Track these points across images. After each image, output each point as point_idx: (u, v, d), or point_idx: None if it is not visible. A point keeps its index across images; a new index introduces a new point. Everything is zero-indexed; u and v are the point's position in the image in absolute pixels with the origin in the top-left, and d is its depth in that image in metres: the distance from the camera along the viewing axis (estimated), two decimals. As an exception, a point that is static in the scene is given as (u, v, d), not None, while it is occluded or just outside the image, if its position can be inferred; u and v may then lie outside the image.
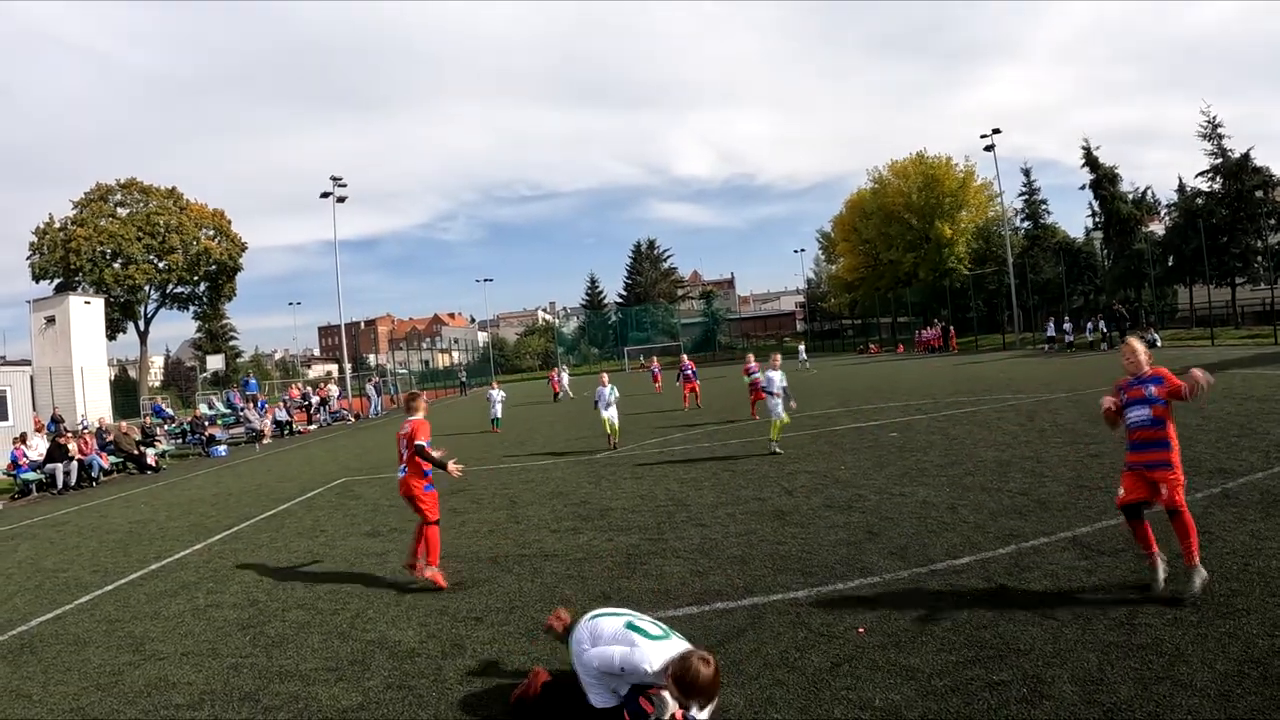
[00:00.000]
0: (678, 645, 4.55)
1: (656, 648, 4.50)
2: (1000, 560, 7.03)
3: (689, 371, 27.07)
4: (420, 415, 8.59)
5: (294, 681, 5.84)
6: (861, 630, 5.74)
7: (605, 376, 19.05)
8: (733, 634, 5.94)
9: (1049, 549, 7.21)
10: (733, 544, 8.52)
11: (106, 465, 23.87)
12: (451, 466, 8.26)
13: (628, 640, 4.60)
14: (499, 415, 26.83)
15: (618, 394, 18.34)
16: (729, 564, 7.78)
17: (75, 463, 22.25)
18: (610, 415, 18.01)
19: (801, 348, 55.43)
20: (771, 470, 12.83)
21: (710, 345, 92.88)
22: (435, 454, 8.26)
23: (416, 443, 8.20)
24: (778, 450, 14.51)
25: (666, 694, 4.45)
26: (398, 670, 5.89)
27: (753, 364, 21.18)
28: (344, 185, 50.13)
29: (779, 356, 16.50)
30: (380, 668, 5.97)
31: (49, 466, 21.64)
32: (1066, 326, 43.50)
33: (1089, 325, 42.30)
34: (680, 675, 4.22)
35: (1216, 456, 10.35)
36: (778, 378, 15.41)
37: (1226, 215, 43.48)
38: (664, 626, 4.82)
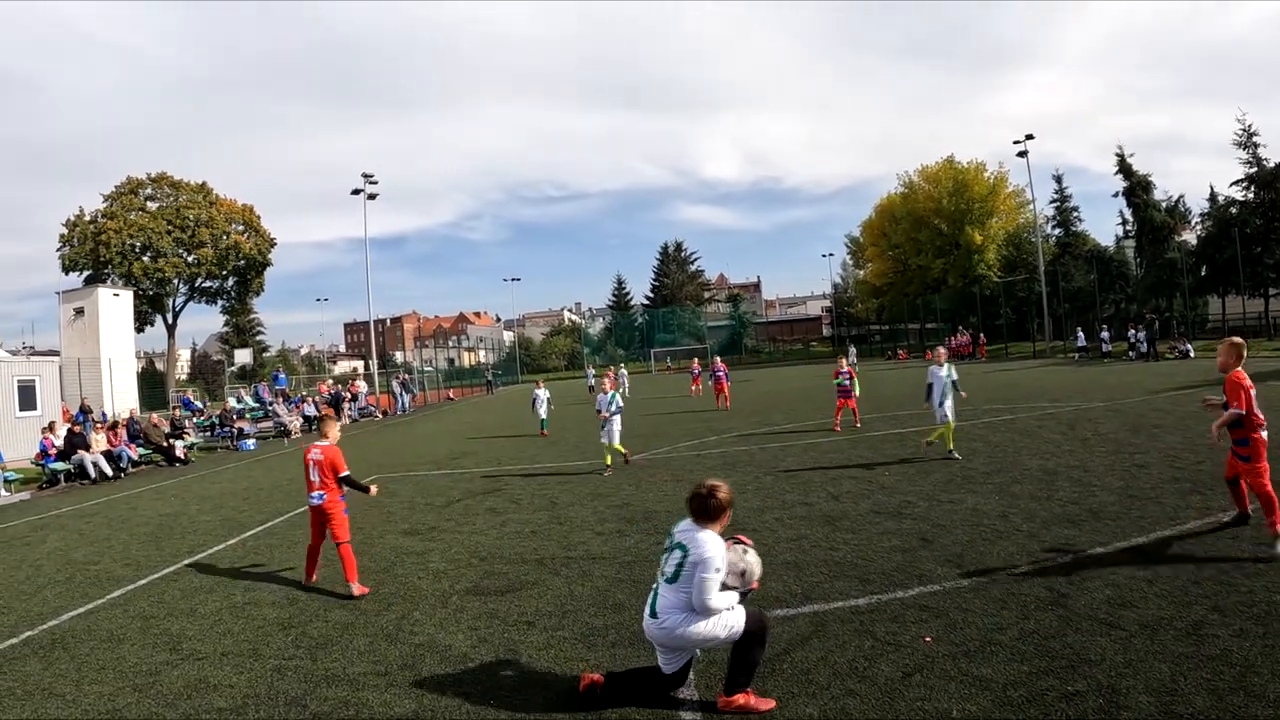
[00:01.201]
0: (696, 538, 4.89)
1: (703, 550, 4.80)
2: (1059, 569, 6.87)
3: (720, 373, 28.39)
4: (332, 441, 8.80)
5: (342, 686, 5.64)
6: (928, 639, 5.57)
7: (608, 382, 16.47)
8: (797, 642, 5.74)
9: (1107, 559, 7.06)
10: (785, 549, 8.30)
11: (135, 456, 23.82)
12: (373, 489, 9.08)
13: (700, 573, 4.76)
14: (545, 416, 24.51)
15: (621, 402, 15.65)
16: (784, 570, 7.55)
17: (100, 455, 22.15)
18: (610, 431, 15.10)
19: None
20: (815, 475, 12.59)
21: (737, 348, 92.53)
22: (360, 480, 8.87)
23: (343, 474, 8.50)
24: (956, 455, 13.17)
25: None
26: (451, 676, 5.68)
27: (844, 367, 19.14)
28: (375, 183, 50.21)
29: (943, 350, 14.80)
30: (432, 673, 5.76)
31: (74, 458, 21.56)
32: (1105, 335, 43.03)
33: (1132, 334, 41.65)
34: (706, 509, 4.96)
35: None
36: (943, 373, 13.70)
37: (1261, 225, 42.93)
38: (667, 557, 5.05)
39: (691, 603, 4.79)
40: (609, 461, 15.03)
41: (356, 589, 8.09)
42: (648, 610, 5.03)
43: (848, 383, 18.70)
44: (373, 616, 7.21)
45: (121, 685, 6.03)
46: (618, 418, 15.21)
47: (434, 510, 12.37)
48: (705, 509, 4.94)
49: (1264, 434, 7.47)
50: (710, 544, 4.80)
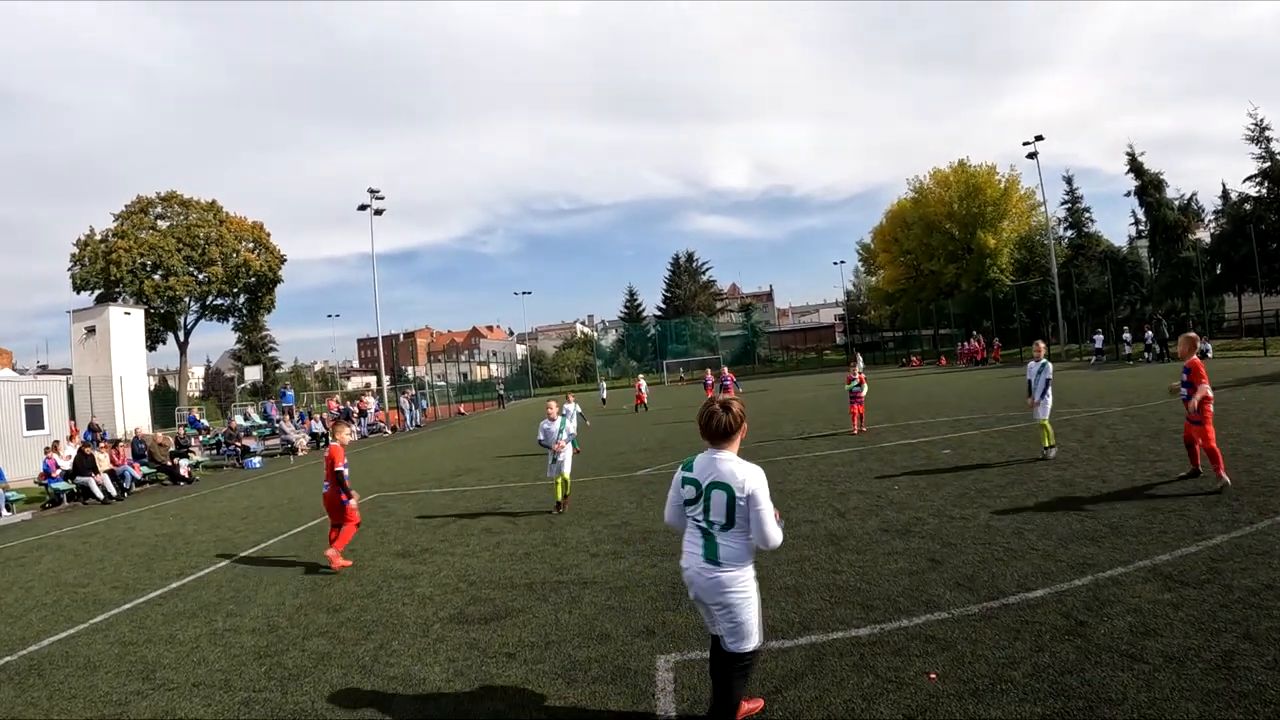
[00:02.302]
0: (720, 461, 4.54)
1: (749, 483, 4.41)
2: (1077, 593, 6.42)
3: (728, 383, 29.83)
4: (340, 442, 10.53)
5: (308, 723, 5.32)
6: (933, 676, 5.15)
7: (559, 405, 13.71)
8: (791, 679, 5.34)
9: (1128, 580, 6.61)
10: (785, 572, 7.90)
11: (139, 475, 23.63)
12: (352, 503, 10.34)
13: (756, 508, 4.39)
14: (573, 431, 22.16)
15: (573, 429, 13.40)
16: (782, 595, 7.16)
17: (105, 474, 21.94)
18: (562, 464, 12.80)
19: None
20: (821, 490, 12.19)
21: (750, 358, 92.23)
22: (347, 483, 10.33)
23: (336, 469, 10.17)
24: (1047, 456, 12.95)
25: None
26: (419, 713, 5.35)
27: (855, 374, 20.50)
28: (381, 197, 50.11)
29: (1041, 344, 14.07)
30: (401, 709, 5.43)
31: (79, 479, 21.36)
32: (1126, 336, 42.61)
33: (1149, 335, 41.22)
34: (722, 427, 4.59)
35: (1292, 474, 9.80)
36: (1035, 368, 13.43)
37: (1276, 221, 42.38)
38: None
39: (749, 547, 4.47)
40: (559, 496, 12.76)
41: (336, 562, 9.93)
42: (700, 556, 4.53)
43: (857, 388, 19.70)
44: (350, 646, 6.88)
45: (90, 715, 5.81)
46: (569, 450, 12.98)
47: (429, 530, 12.05)
48: (721, 428, 4.56)
49: (1210, 407, 10.07)
50: (753, 475, 4.41)
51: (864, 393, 20.30)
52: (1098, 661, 5.09)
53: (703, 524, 4.54)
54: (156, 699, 6.01)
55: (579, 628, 6.84)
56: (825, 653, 5.73)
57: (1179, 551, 7.27)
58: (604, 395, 50.47)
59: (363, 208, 49.92)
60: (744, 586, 4.44)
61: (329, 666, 6.40)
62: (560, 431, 12.79)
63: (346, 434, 10.91)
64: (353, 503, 10.24)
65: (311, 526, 13.52)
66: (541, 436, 12.98)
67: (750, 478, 4.38)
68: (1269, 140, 44.28)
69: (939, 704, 4.76)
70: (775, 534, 4.40)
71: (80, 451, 22.21)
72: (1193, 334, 10.66)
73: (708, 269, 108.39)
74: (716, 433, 4.55)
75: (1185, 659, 4.99)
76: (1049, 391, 13.31)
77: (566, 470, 12.81)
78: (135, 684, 6.40)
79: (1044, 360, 13.50)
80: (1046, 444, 13.18)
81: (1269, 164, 44.04)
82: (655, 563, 8.81)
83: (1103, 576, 6.77)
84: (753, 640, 4.46)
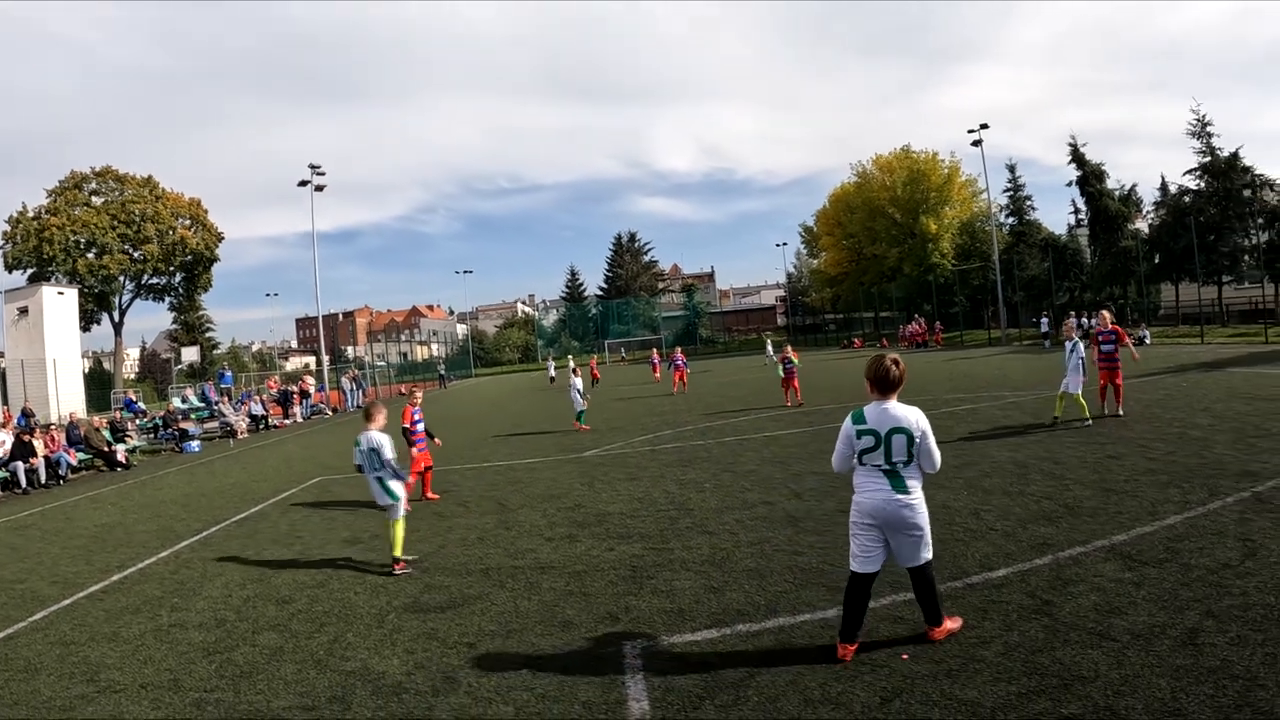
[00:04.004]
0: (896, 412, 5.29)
1: (920, 423, 5.31)
2: (1039, 572, 6.47)
3: (679, 362, 31.56)
4: (416, 403, 13.33)
5: (263, 722, 5.09)
6: (905, 656, 5.13)
7: (380, 416, 9.30)
8: (763, 662, 5.27)
9: (1088, 559, 6.68)
10: (746, 554, 7.84)
11: (74, 462, 22.93)
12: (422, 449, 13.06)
13: (927, 443, 5.31)
14: (585, 407, 21.45)
15: (391, 451, 8.88)
16: (745, 578, 7.10)
17: (42, 460, 21.27)
18: (394, 505, 8.64)
19: (769, 343, 54.37)
20: (775, 471, 12.16)
21: (692, 339, 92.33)
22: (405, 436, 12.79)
23: (403, 425, 12.75)
24: (1087, 424, 13.94)
25: None
26: (382, 710, 5.14)
27: (789, 353, 23.22)
28: (322, 173, 49.13)
29: (1072, 322, 16.18)
30: (362, 706, 5.22)
31: (11, 465, 20.66)
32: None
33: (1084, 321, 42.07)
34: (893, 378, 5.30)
35: (1239, 459, 9.99)
36: (1069, 347, 14.69)
37: (1215, 214, 43.38)
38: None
39: (921, 476, 5.35)
40: (400, 552, 8.60)
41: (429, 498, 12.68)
42: (890, 490, 5.24)
43: (791, 365, 22.75)
44: (303, 639, 6.64)
45: (33, 723, 5.48)
46: (387, 474, 8.74)
47: (377, 516, 11.67)
48: (894, 379, 5.26)
49: (1134, 351, 14.75)
50: (921, 416, 5.31)
51: (796, 368, 23.02)
52: (1066, 640, 5.11)
53: (884, 465, 5.25)
54: (103, 703, 5.75)
55: (540, 615, 6.69)
56: (794, 635, 5.69)
57: (1135, 531, 7.36)
58: (553, 373, 50.25)
59: (303, 183, 48.90)
60: (925, 509, 5.33)
61: (282, 662, 6.17)
62: (380, 452, 8.80)
63: (420, 396, 14.12)
64: (425, 451, 12.97)
65: (255, 512, 13.20)
66: (358, 460, 9.07)
67: (920, 418, 5.28)
68: (1210, 135, 45.34)
69: (914, 684, 4.75)
70: (939, 458, 5.37)
71: (18, 439, 21.47)
72: (1105, 311, 15.07)
73: (650, 249, 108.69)
74: (891, 383, 5.26)
75: (1152, 636, 5.04)
76: (1081, 367, 14.43)
77: (400, 514, 8.69)
78: (80, 687, 6.11)
79: (1075, 340, 14.74)
80: (1085, 415, 14.21)
81: (1209, 158, 45.06)
82: (612, 546, 8.71)
83: (1063, 556, 6.83)
84: (931, 549, 5.36)
